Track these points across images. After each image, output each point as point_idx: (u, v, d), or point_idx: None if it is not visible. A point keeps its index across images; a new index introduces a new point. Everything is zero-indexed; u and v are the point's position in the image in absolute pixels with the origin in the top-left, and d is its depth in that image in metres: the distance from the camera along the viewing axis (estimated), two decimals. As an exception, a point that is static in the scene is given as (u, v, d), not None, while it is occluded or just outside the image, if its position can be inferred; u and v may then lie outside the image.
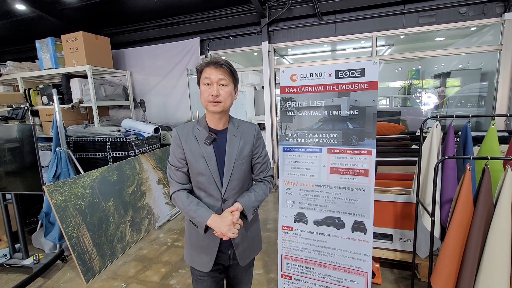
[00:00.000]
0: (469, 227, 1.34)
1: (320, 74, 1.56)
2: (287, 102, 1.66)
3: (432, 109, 4.89)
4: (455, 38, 4.48)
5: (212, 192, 1.17)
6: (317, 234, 1.64)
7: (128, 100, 4.88)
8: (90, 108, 4.26)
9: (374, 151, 1.48)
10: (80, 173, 3.01)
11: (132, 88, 4.92)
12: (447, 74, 4.24)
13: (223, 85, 1.12)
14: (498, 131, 2.09)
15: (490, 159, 1.27)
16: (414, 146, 2.29)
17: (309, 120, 1.61)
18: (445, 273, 1.36)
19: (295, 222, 1.69)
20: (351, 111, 1.51)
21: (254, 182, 1.31)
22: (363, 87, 1.48)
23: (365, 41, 4.48)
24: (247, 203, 1.18)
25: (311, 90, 1.59)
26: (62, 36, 3.98)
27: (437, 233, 1.56)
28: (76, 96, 4.29)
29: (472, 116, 1.53)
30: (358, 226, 1.54)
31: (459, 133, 1.63)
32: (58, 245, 2.71)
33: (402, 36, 4.06)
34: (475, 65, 4.16)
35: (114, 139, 3.40)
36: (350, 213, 1.56)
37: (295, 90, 1.64)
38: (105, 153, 3.44)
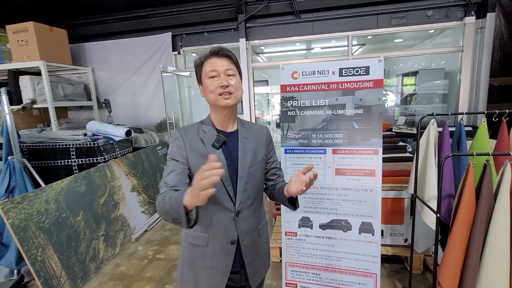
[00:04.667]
0: (472, 221, 1.38)
1: (323, 72, 1.50)
2: (288, 102, 1.57)
3: (399, 106, 5.19)
4: (418, 39, 4.80)
5: (224, 203, 1.02)
6: (323, 238, 1.59)
7: (91, 100, 4.41)
8: (45, 109, 3.75)
9: (380, 150, 1.46)
10: (40, 185, 2.61)
11: (95, 86, 4.45)
12: (415, 73, 4.52)
13: (230, 75, 0.98)
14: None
15: (492, 155, 1.32)
16: (401, 143, 2.36)
17: (312, 120, 1.54)
18: (452, 266, 1.39)
19: (299, 227, 1.62)
20: (356, 110, 1.47)
21: (271, 187, 1.18)
22: (368, 85, 1.44)
23: (336, 40, 4.58)
24: None
25: (314, 88, 1.52)
26: (7, 26, 3.42)
27: (433, 227, 1.59)
28: (27, 96, 3.75)
29: (466, 114, 1.58)
30: (366, 228, 1.51)
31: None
32: (16, 271, 2.32)
33: (369, 37, 4.23)
34: (438, 65, 4.49)
35: (79, 144, 3.02)
36: (357, 215, 1.53)
37: (297, 89, 1.55)
38: (69, 161, 3.04)
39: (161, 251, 2.77)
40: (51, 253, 2.14)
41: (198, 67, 1.02)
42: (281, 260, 2.27)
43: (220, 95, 0.97)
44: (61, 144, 3.03)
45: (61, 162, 3.04)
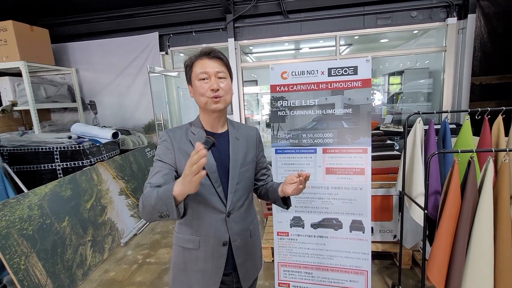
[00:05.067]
0: (458, 216, 1.41)
1: (313, 71, 1.50)
2: (278, 102, 1.57)
3: (386, 104, 5.30)
4: (403, 39, 4.91)
5: (214, 204, 1.01)
6: (314, 237, 1.60)
7: (75, 101, 4.28)
8: (27, 111, 3.63)
9: (369, 149, 1.48)
10: (22, 190, 2.52)
11: (79, 87, 4.32)
12: (401, 72, 4.62)
13: (221, 77, 0.97)
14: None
15: (476, 151, 1.36)
16: (388, 141, 2.41)
17: (302, 120, 1.55)
18: (440, 261, 1.43)
19: (291, 227, 1.62)
20: (345, 109, 1.49)
21: (261, 187, 1.19)
22: (357, 85, 1.46)
23: (323, 40, 4.64)
24: None
25: (304, 88, 1.53)
26: (-16, 25, 3.28)
27: (422, 223, 1.63)
28: (7, 98, 3.61)
29: (451, 112, 1.63)
30: (356, 225, 1.53)
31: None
32: (-3, 281, 2.23)
33: (356, 37, 4.30)
34: (422, 64, 4.61)
35: (64, 147, 2.93)
36: (347, 213, 1.54)
37: (287, 89, 1.55)
38: (53, 164, 2.94)
39: (151, 255, 2.72)
40: (35, 261, 2.06)
41: (188, 67, 1.00)
42: (273, 260, 2.27)
43: (210, 98, 0.96)
44: (44, 147, 2.93)
45: (44, 166, 2.94)
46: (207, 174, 0.99)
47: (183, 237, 1.05)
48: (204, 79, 0.96)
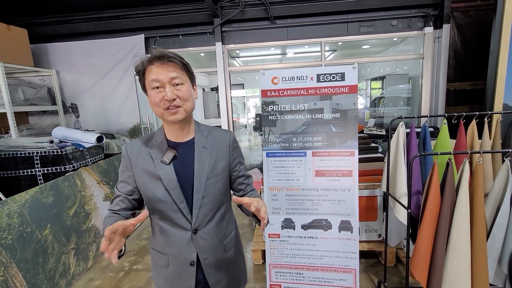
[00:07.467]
0: (438, 214, 1.51)
1: (302, 77, 1.56)
2: (269, 106, 1.61)
3: (368, 108, 5.50)
4: (383, 46, 5.14)
5: (177, 222, 0.94)
6: (305, 238, 1.64)
7: (56, 104, 4.12)
8: (3, 115, 3.45)
9: (356, 152, 1.54)
10: (0, 198, 2.39)
11: (60, 90, 4.17)
12: (383, 78, 4.82)
13: (177, 84, 0.85)
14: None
15: (453, 153, 1.46)
16: (372, 144, 2.51)
17: (293, 124, 1.60)
18: (422, 257, 1.51)
19: (282, 229, 1.66)
20: (334, 114, 1.55)
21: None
22: (344, 91, 1.53)
23: (308, 46, 4.76)
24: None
25: (294, 93, 1.58)
26: (-43, 23, 3.11)
27: (405, 222, 1.72)
28: (-19, 100, 3.41)
29: (430, 116, 1.74)
30: (345, 226, 1.59)
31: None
32: (-29, 294, 2.10)
33: (339, 43, 4.46)
34: (401, 70, 4.84)
35: (45, 152, 2.82)
36: (336, 214, 1.60)
37: (277, 94, 1.60)
38: (33, 170, 2.82)
39: (138, 262, 2.67)
40: (15, 271, 1.96)
41: (140, 73, 0.88)
42: (263, 263, 2.30)
43: (166, 109, 0.86)
44: (23, 152, 2.80)
45: (23, 172, 2.81)
46: (167, 190, 0.91)
47: (156, 253, 1.01)
48: (157, 87, 0.84)
